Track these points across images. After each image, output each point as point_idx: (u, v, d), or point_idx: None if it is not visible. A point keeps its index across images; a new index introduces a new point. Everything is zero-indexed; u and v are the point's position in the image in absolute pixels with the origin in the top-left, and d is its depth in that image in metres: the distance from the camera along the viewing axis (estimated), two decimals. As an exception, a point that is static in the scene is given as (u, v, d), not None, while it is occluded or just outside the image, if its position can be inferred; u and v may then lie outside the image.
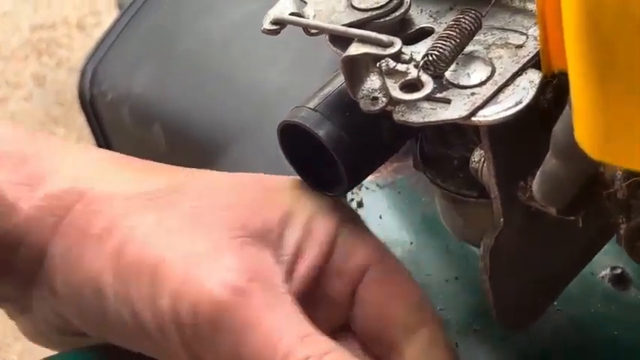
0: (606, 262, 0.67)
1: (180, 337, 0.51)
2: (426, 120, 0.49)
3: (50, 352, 0.60)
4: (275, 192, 0.56)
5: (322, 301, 0.56)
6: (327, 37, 0.53)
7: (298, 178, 0.57)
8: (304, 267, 0.54)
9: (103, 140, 1.01)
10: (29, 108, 2.27)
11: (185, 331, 0.51)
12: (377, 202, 0.75)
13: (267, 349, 0.50)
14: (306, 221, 0.55)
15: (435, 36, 0.52)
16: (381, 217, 0.74)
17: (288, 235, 0.55)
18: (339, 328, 0.56)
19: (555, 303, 0.65)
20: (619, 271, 0.67)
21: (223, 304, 0.51)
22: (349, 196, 0.75)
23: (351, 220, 0.58)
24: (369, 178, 0.75)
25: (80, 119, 2.16)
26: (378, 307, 0.56)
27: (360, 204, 0.75)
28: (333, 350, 0.51)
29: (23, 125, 2.19)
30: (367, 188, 0.76)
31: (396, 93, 0.49)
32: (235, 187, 0.57)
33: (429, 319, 0.57)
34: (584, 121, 0.40)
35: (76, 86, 1.01)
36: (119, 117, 0.98)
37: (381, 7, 0.52)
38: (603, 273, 0.68)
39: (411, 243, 0.72)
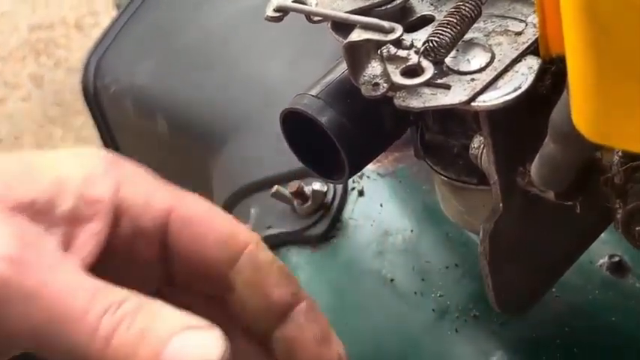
0: (604, 250, 0.68)
1: None
2: (426, 105, 0.49)
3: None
4: (43, 162, 0.53)
5: (135, 265, 0.54)
6: (329, 24, 0.54)
7: (72, 150, 0.55)
8: (86, 234, 0.52)
9: (107, 133, 1.02)
10: (27, 108, 2.27)
11: None
12: (378, 191, 0.76)
13: (61, 313, 0.48)
14: (79, 187, 0.52)
15: (435, 23, 0.52)
16: (382, 205, 0.75)
17: (61, 204, 0.51)
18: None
19: (554, 290, 0.66)
20: (617, 259, 0.68)
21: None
22: (350, 184, 0.76)
23: (133, 175, 0.54)
24: (370, 167, 0.76)
25: (78, 120, 2.17)
26: (190, 252, 0.53)
27: (361, 193, 0.76)
28: (128, 297, 0.49)
29: (22, 126, 2.19)
30: (368, 177, 0.77)
31: (397, 78, 0.50)
32: None
33: (245, 241, 0.53)
34: (581, 104, 0.41)
35: (80, 80, 1.02)
36: (122, 109, 0.99)
37: (383, -6, 0.53)
38: (601, 261, 0.68)
39: (412, 231, 0.73)
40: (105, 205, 0.52)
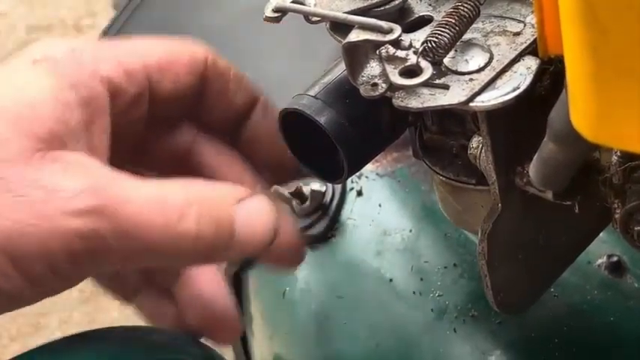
0: (603, 249, 0.68)
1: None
2: (425, 105, 0.50)
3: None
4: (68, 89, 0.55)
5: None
6: (327, 24, 0.54)
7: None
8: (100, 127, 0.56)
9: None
10: (26, 109, 2.26)
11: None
12: (377, 191, 0.76)
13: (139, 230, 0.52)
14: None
15: (434, 23, 0.53)
16: (380, 205, 0.75)
17: (71, 119, 0.54)
18: None
19: (552, 289, 0.66)
20: (615, 259, 0.68)
21: (92, 231, 0.51)
22: (349, 184, 0.76)
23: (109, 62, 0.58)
24: (369, 167, 0.76)
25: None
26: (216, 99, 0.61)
27: (360, 193, 0.76)
28: (189, 194, 0.55)
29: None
30: (367, 177, 0.77)
31: (396, 78, 0.50)
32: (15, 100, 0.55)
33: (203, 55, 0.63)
34: (579, 104, 0.41)
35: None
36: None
37: (381, -6, 0.53)
38: (600, 261, 0.68)
39: (411, 230, 0.73)
40: (102, 101, 0.56)
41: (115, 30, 1.00)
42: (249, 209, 0.56)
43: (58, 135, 0.53)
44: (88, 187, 0.51)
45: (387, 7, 0.53)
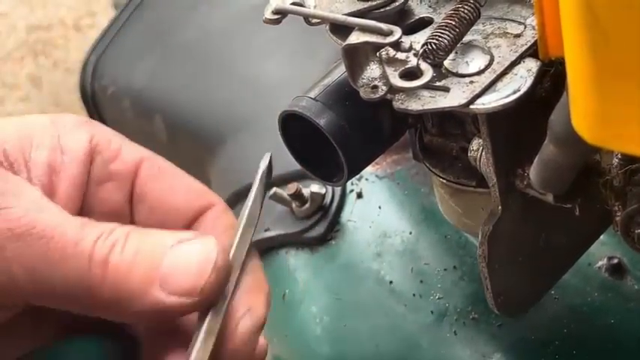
0: (603, 252, 0.68)
1: None
2: (425, 108, 0.49)
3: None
4: (9, 122, 0.54)
5: (104, 210, 0.55)
6: (327, 26, 0.54)
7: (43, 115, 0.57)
8: (66, 183, 0.53)
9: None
10: (26, 109, 2.27)
11: None
12: (376, 193, 0.76)
13: (54, 247, 0.49)
14: (52, 140, 0.53)
15: (434, 25, 0.52)
16: (380, 207, 0.75)
17: (36, 157, 0.53)
18: None
19: (553, 292, 0.66)
20: (616, 261, 0.68)
21: None
22: (349, 186, 0.76)
23: (105, 130, 0.56)
24: (369, 169, 0.76)
25: (77, 119, 2.17)
26: (158, 200, 0.55)
27: (359, 195, 0.76)
28: (116, 226, 0.51)
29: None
30: (367, 179, 0.77)
31: (396, 81, 0.50)
32: None
33: (211, 202, 0.56)
34: (580, 107, 0.41)
35: (78, 80, 1.02)
36: (120, 110, 0.99)
37: (381, -4, 0.53)
38: (600, 263, 0.68)
39: (410, 233, 0.73)
40: (79, 152, 0.54)
41: (114, 30, 1.00)
42: (183, 249, 0.51)
43: (11, 157, 0.52)
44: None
45: (387, 9, 0.53)
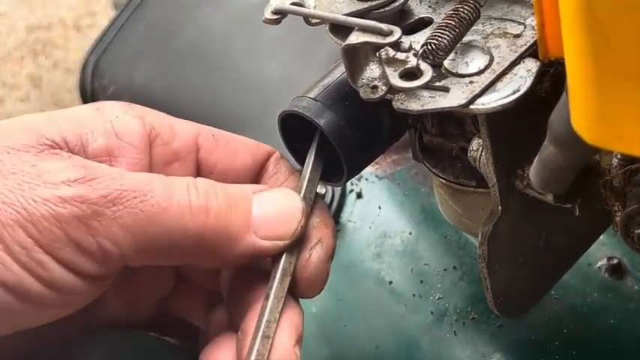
0: (603, 252, 0.68)
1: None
2: (425, 108, 0.49)
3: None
4: (60, 113, 0.56)
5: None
6: (327, 26, 0.54)
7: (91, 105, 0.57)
8: (126, 167, 0.54)
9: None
10: (26, 109, 2.27)
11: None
12: (376, 194, 0.76)
13: (150, 204, 0.51)
14: (105, 125, 0.55)
15: (434, 26, 0.52)
16: (380, 207, 0.75)
17: (92, 142, 0.54)
18: None
19: (553, 292, 0.66)
20: (615, 261, 0.68)
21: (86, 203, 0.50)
22: (349, 186, 0.76)
23: (151, 110, 0.58)
24: (369, 169, 0.76)
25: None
26: (226, 165, 0.58)
27: (359, 195, 0.76)
28: (197, 178, 0.53)
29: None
30: (367, 180, 0.77)
31: (396, 81, 0.50)
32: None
33: (268, 151, 0.59)
34: (580, 107, 0.41)
35: (77, 80, 1.02)
36: (120, 110, 0.99)
37: (381, -3, 0.53)
38: (600, 263, 0.68)
39: (410, 233, 0.73)
40: (136, 135, 0.55)
41: (115, 30, 1.00)
42: (269, 197, 0.55)
43: (71, 144, 0.53)
44: (77, 164, 0.51)
45: (387, 9, 0.53)
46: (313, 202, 0.57)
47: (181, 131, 0.57)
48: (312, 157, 0.57)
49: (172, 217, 0.51)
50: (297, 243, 0.55)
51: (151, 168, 0.56)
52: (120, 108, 0.56)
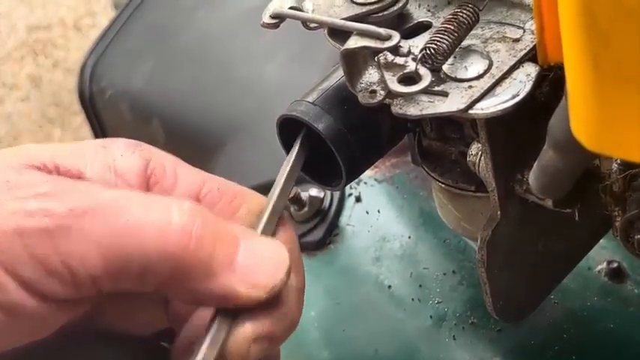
0: (603, 256, 0.68)
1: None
2: (423, 113, 0.49)
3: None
4: (64, 146, 0.53)
5: None
6: (325, 30, 0.54)
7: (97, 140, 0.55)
8: None
9: (103, 137, 1.02)
10: (26, 109, 2.27)
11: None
12: (375, 197, 0.75)
13: (131, 218, 0.47)
14: (108, 160, 0.52)
15: (432, 30, 0.52)
16: (379, 211, 0.75)
17: (89, 175, 0.51)
18: None
19: (552, 296, 0.66)
20: (615, 265, 0.68)
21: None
22: (347, 190, 0.76)
23: (158, 152, 0.55)
24: (368, 173, 0.75)
25: (76, 120, 2.17)
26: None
27: (358, 199, 0.76)
28: (187, 199, 0.50)
29: (20, 126, 2.19)
30: (365, 183, 0.77)
31: (394, 86, 0.49)
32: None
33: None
34: (579, 113, 0.40)
35: (76, 83, 1.02)
36: (118, 113, 0.99)
37: (380, 1, 0.53)
38: (600, 267, 0.68)
39: (409, 237, 0.72)
40: (134, 177, 0.52)
41: (112, 33, 1.00)
42: (258, 243, 0.50)
43: (62, 169, 0.51)
44: (51, 180, 0.49)
45: (386, 13, 0.52)
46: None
47: (184, 180, 0.54)
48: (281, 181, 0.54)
49: (149, 236, 0.47)
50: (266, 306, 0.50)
51: None
52: (128, 147, 0.53)
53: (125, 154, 0.53)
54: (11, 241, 0.46)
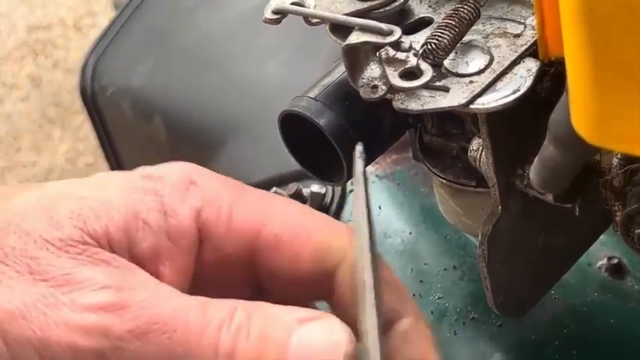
0: (603, 251, 0.68)
1: None
2: (425, 107, 0.49)
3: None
4: (115, 190, 0.49)
5: (221, 287, 0.49)
6: (327, 26, 0.54)
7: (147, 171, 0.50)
8: (171, 270, 0.48)
9: (105, 135, 1.02)
10: (26, 109, 2.27)
11: None
12: (376, 193, 0.75)
13: (179, 340, 0.45)
14: (158, 221, 0.48)
15: (434, 25, 0.52)
16: (380, 207, 0.75)
17: (140, 241, 0.48)
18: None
19: (553, 292, 0.66)
20: (615, 261, 0.68)
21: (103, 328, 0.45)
22: (349, 186, 0.76)
23: (212, 194, 0.50)
24: (369, 169, 0.75)
25: (77, 120, 2.17)
26: (281, 273, 0.49)
27: (359, 195, 0.76)
28: (237, 307, 0.46)
29: (20, 126, 2.19)
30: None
31: (396, 81, 0.50)
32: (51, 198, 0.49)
33: (340, 252, 0.50)
34: (580, 107, 0.41)
35: (77, 82, 1.02)
36: (120, 111, 0.99)
37: (381, -4, 0.53)
38: (600, 263, 0.68)
39: (410, 233, 0.73)
40: (187, 238, 0.48)
41: (114, 31, 1.01)
42: (314, 330, 0.45)
43: (114, 242, 0.48)
44: (112, 283, 0.46)
45: (387, 8, 0.53)
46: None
47: (240, 224, 0.49)
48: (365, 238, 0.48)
49: (198, 357, 0.45)
50: None
51: (197, 273, 0.49)
52: (179, 191, 0.49)
53: (176, 204, 0.49)
54: (62, 356, 0.45)
